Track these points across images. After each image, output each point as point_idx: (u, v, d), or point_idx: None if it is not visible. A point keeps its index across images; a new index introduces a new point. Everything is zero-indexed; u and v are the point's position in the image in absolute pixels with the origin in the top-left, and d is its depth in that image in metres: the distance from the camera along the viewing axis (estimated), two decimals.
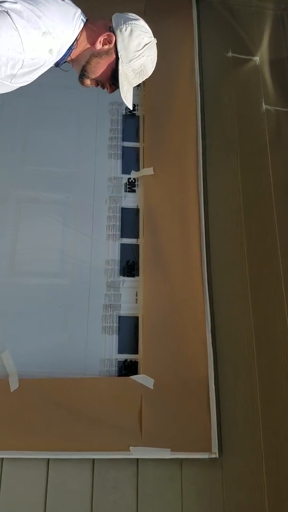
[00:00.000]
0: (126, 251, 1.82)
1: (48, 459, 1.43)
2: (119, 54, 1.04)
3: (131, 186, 1.91)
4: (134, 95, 1.86)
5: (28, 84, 1.01)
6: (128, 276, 1.79)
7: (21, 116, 1.97)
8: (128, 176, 1.92)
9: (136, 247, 1.82)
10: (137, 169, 1.93)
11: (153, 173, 1.85)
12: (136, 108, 2.02)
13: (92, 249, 1.80)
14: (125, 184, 1.91)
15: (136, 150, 1.97)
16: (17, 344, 1.65)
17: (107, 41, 1.04)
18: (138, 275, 1.78)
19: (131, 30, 1.04)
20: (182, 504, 1.37)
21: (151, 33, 1.07)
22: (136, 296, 1.77)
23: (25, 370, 1.59)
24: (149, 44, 1.06)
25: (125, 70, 1.06)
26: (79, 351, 1.68)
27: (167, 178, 1.83)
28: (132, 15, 1.08)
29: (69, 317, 1.72)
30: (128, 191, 1.90)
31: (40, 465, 1.42)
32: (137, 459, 1.42)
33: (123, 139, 1.98)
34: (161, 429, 1.45)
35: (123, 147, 1.97)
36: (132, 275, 1.79)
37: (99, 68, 1.07)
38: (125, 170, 1.93)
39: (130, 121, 2.01)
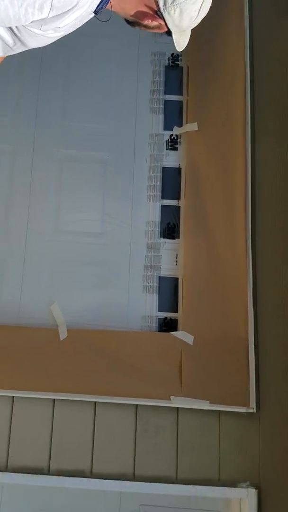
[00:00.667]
0: (166, 212, 1.86)
1: (95, 402, 1.61)
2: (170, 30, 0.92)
3: (173, 143, 1.89)
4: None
5: (67, 35, 0.90)
6: (168, 238, 1.84)
7: (60, 69, 1.96)
8: (170, 132, 1.90)
9: (177, 209, 1.85)
10: (180, 125, 1.89)
11: (197, 129, 1.82)
12: (179, 58, 1.93)
13: (132, 210, 1.86)
14: (167, 141, 1.90)
15: (179, 104, 1.94)
16: (64, 298, 1.78)
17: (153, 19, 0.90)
18: (178, 237, 1.83)
19: (180, 11, 0.87)
20: (219, 452, 1.53)
21: None
22: (176, 258, 1.83)
23: (72, 321, 1.74)
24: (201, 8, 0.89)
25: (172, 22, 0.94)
26: (121, 307, 1.80)
27: (212, 135, 1.80)
28: None
29: (111, 275, 1.83)
30: (170, 149, 1.90)
31: (88, 408, 1.61)
32: (177, 408, 1.57)
33: (165, 92, 1.93)
34: (201, 382, 1.58)
35: (165, 100, 1.93)
36: (173, 237, 1.84)
37: (147, 18, 0.90)
38: (167, 126, 1.91)
39: (173, 72, 1.96)
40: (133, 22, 0.95)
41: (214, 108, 1.83)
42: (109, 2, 0.87)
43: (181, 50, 1.02)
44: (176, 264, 1.83)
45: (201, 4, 0.87)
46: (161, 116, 1.91)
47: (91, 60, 1.96)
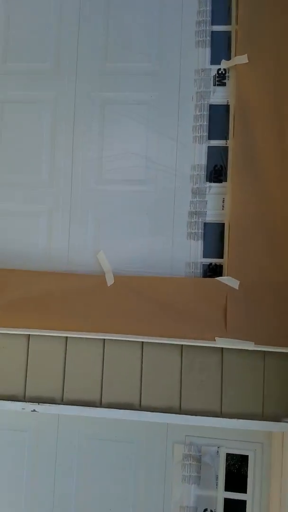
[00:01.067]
0: (213, 154, 1.82)
1: (142, 342, 1.71)
2: None
3: (220, 78, 1.81)
4: None
5: None
6: (215, 181, 1.81)
7: (100, 5, 1.87)
8: (217, 66, 1.81)
9: (225, 150, 1.80)
10: (228, 58, 1.79)
11: (247, 61, 1.70)
12: None
13: (177, 154, 1.83)
14: (214, 76, 1.82)
15: (227, 34, 1.82)
16: (110, 246, 1.85)
17: None
18: (226, 180, 1.79)
19: None
20: (263, 389, 1.59)
21: None
22: (223, 202, 1.80)
23: (118, 268, 1.82)
24: None
25: None
26: (165, 254, 1.84)
27: (264, 68, 1.69)
28: None
29: (155, 222, 1.87)
30: (218, 85, 1.81)
31: (136, 347, 1.72)
32: (222, 348, 1.62)
33: (212, 22, 1.81)
34: (246, 324, 1.62)
35: (212, 32, 1.82)
36: (219, 181, 1.81)
37: None
38: (215, 60, 1.81)
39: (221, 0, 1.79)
40: None
41: (267, 37, 1.70)
42: None
43: None
44: (223, 209, 1.81)
45: None
46: (207, 50, 1.81)
47: None
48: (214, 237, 1.82)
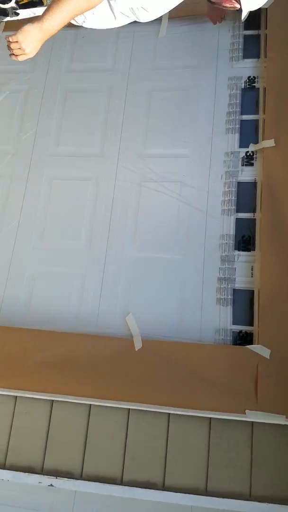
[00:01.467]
0: (241, 225, 1.91)
1: (169, 414, 1.64)
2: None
3: (248, 159, 1.97)
4: (254, 67, 1.92)
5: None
6: (243, 250, 1.87)
7: (143, 99, 2.16)
8: (246, 149, 1.98)
9: (252, 222, 1.89)
10: (256, 142, 1.97)
11: (274, 145, 1.87)
12: (255, 80, 2.05)
13: (206, 225, 1.94)
14: (243, 158, 1.98)
15: (255, 123, 2.03)
16: (139, 309, 1.89)
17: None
18: (254, 249, 1.85)
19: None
20: None
21: None
22: (252, 270, 1.84)
23: (146, 332, 1.83)
24: None
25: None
26: (194, 320, 1.85)
27: None
28: None
29: (185, 288, 1.91)
30: (246, 165, 1.96)
31: (162, 418, 1.65)
32: (252, 422, 1.53)
33: (242, 113, 2.03)
34: (277, 397, 1.54)
35: (241, 120, 2.03)
36: (248, 250, 1.87)
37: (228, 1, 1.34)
38: (243, 143, 2.00)
39: (249, 93, 2.07)
40: (214, 2, 1.39)
41: None
42: None
43: (243, 20, 1.41)
44: (252, 277, 1.84)
45: None
46: (237, 135, 2.01)
47: (170, 90, 2.16)
48: (244, 303, 1.83)
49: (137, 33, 2.25)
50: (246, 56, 2.09)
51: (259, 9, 1.99)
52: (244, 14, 1.37)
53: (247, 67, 2.08)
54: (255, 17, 2.11)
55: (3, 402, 1.77)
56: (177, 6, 2.18)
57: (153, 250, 1.98)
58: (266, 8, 2.03)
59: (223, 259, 1.89)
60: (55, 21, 1.17)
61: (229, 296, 1.84)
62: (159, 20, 2.20)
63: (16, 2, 1.33)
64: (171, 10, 2.07)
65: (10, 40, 1.21)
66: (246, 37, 2.12)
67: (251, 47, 2.10)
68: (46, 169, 2.19)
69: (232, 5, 1.36)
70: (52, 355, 1.83)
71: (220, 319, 1.83)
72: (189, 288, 1.90)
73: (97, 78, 2.28)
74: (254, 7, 1.36)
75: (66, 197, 2.14)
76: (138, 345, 1.80)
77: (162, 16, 2.20)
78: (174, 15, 2.18)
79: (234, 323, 1.81)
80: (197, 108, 2.10)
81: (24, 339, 1.90)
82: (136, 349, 1.78)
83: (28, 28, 1.16)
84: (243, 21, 1.49)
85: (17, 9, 1.36)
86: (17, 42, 1.19)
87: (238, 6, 1.34)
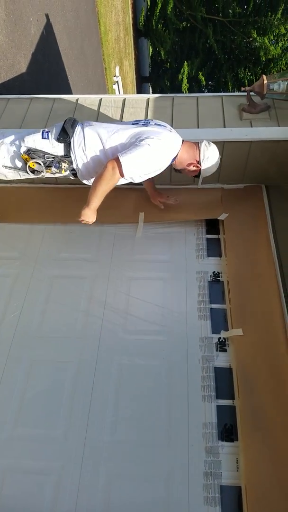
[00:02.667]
0: (223, 413, 1.96)
1: None
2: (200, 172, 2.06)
3: (221, 345, 2.15)
4: (217, 264, 2.29)
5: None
6: (227, 441, 1.89)
7: (123, 288, 2.43)
8: (218, 335, 2.18)
9: (232, 409, 1.96)
10: (226, 329, 2.19)
11: (242, 334, 2.09)
12: (220, 274, 2.41)
13: (189, 413, 1.96)
14: (216, 343, 2.16)
15: (224, 311, 2.27)
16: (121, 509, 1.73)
17: (195, 167, 2.04)
18: (237, 439, 1.87)
19: (211, 170, 2.06)
20: None
21: (219, 157, 2.07)
22: (237, 463, 1.82)
23: None
24: (218, 160, 2.06)
25: (201, 177, 2.09)
26: None
27: (256, 338, 2.05)
28: (213, 152, 2.04)
29: (170, 485, 1.83)
30: (220, 351, 2.13)
31: None
32: None
33: (211, 302, 2.31)
34: None
35: (211, 309, 2.28)
36: (231, 440, 1.89)
37: (188, 173, 2.10)
38: (215, 330, 2.20)
39: (216, 286, 2.38)
40: (180, 170, 2.08)
41: (255, 314, 2.15)
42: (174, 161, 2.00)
43: (199, 186, 2.20)
44: (237, 471, 1.81)
45: (217, 165, 2.07)
46: (208, 322, 2.24)
47: (148, 280, 2.45)
48: (233, 503, 1.75)
49: (117, 233, 2.66)
50: (210, 254, 2.51)
51: (217, 219, 2.52)
52: (200, 180, 2.10)
53: (211, 264, 2.47)
54: (215, 224, 2.61)
55: None
56: (150, 213, 2.69)
57: (135, 435, 1.95)
58: (223, 220, 2.54)
59: (207, 451, 1.87)
60: (96, 202, 1.98)
61: (217, 495, 1.77)
62: (136, 223, 2.67)
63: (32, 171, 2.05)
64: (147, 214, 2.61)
65: (80, 220, 2.05)
66: (208, 240, 2.57)
67: (213, 248, 2.54)
68: (25, 350, 2.24)
69: (195, 168, 2.04)
70: None
71: None
72: (175, 484, 1.81)
73: (82, 267, 2.56)
74: (210, 172, 2.07)
75: (45, 378, 2.15)
76: None
77: (138, 219, 2.69)
78: (148, 219, 2.66)
79: None
80: (172, 295, 2.37)
81: None
82: None
83: (84, 212, 2.01)
84: (199, 186, 2.12)
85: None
86: (83, 220, 2.03)
87: (197, 169, 2.04)
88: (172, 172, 2.63)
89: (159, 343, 2.20)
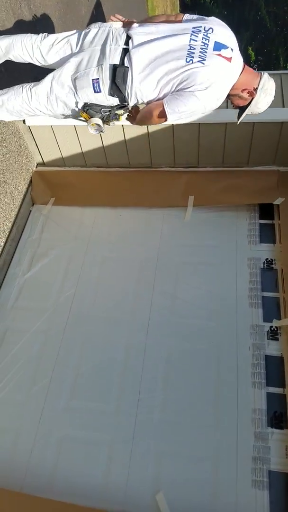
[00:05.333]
0: (273, 400, 1.93)
1: None
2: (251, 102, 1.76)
3: (273, 334, 2.11)
4: (270, 251, 2.22)
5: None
6: (276, 427, 1.87)
7: (172, 273, 2.43)
8: (270, 324, 2.14)
9: (283, 397, 1.93)
10: (279, 318, 2.14)
11: None
12: (273, 262, 2.34)
13: (238, 397, 1.96)
14: (267, 332, 2.12)
15: (276, 300, 2.22)
16: (171, 488, 1.82)
17: (250, 93, 1.75)
18: (287, 427, 1.85)
19: (261, 106, 1.79)
20: None
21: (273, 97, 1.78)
22: (286, 450, 1.81)
23: None
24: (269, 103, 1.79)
25: (247, 111, 1.79)
26: (229, 505, 1.74)
27: None
28: (272, 87, 1.77)
29: (218, 466, 1.86)
30: (271, 339, 2.09)
31: None
32: None
33: (263, 290, 2.26)
34: None
35: (263, 297, 2.23)
36: (281, 427, 1.88)
37: (236, 101, 1.80)
38: (267, 318, 2.16)
39: (268, 273, 2.32)
40: (230, 94, 1.76)
41: None
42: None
43: (238, 123, 1.87)
44: (287, 458, 1.80)
45: (268, 104, 1.79)
46: (260, 310, 2.20)
47: (197, 264, 2.44)
48: (281, 489, 1.75)
49: (165, 217, 2.65)
50: (262, 241, 2.44)
51: (271, 204, 2.41)
52: (243, 116, 1.82)
53: (264, 250, 2.40)
54: (269, 208, 2.52)
55: None
56: (200, 196, 2.64)
57: (184, 416, 1.98)
58: (278, 204, 2.45)
59: (256, 436, 1.87)
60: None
61: (265, 479, 1.78)
62: (184, 206, 2.64)
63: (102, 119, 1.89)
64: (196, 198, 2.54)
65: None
66: (261, 225, 2.50)
67: (267, 234, 2.46)
68: (79, 329, 2.33)
69: (246, 97, 1.76)
70: None
71: (256, 506, 1.73)
72: (223, 466, 1.85)
73: (131, 250, 2.59)
74: (259, 109, 1.80)
75: (98, 355, 2.23)
76: None
77: (187, 203, 2.66)
78: (198, 203, 2.62)
79: (271, 511, 1.71)
80: (221, 281, 2.35)
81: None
82: None
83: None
84: (238, 123, 1.86)
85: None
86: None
87: (249, 99, 1.76)
88: (225, 153, 2.56)
89: (207, 327, 2.21)
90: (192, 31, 1.71)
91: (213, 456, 1.88)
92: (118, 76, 1.72)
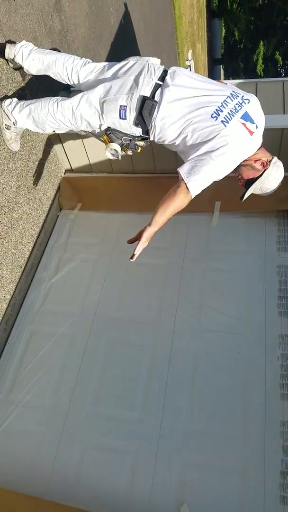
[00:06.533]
0: None
1: None
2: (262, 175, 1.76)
3: None
4: None
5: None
6: None
7: (198, 279, 2.39)
8: None
9: None
10: None
11: None
12: None
13: (266, 410, 1.90)
14: None
15: None
16: (196, 498, 1.77)
17: (264, 164, 1.76)
18: None
19: (278, 175, 1.78)
20: None
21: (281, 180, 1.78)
22: None
23: None
24: (281, 181, 1.78)
25: (256, 185, 1.78)
26: None
27: None
28: (282, 166, 1.78)
29: (245, 480, 1.80)
30: None
31: None
32: None
33: None
34: None
35: None
36: None
37: (246, 172, 1.80)
38: None
39: None
40: (239, 165, 1.78)
41: None
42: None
43: (243, 200, 1.87)
44: None
45: (276, 184, 1.80)
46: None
47: (223, 272, 2.39)
48: None
49: (192, 222, 2.62)
50: None
51: None
52: (248, 193, 1.83)
53: None
54: None
55: None
56: (227, 201, 2.60)
57: (210, 426, 1.94)
58: None
59: (285, 450, 1.80)
60: (159, 225, 1.73)
61: None
62: (211, 212, 2.60)
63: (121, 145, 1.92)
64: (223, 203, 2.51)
65: (140, 249, 1.77)
66: None
67: None
68: (104, 334, 2.32)
69: (260, 168, 1.78)
70: None
71: None
72: (250, 480, 1.78)
73: (157, 255, 2.57)
74: (268, 187, 1.80)
75: (123, 361, 2.21)
76: None
77: (214, 208, 2.62)
78: (225, 209, 2.58)
79: None
80: (249, 289, 2.29)
81: None
82: None
83: (148, 236, 1.74)
84: (242, 201, 1.86)
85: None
86: (140, 244, 1.75)
87: (265, 168, 1.77)
88: None
89: (235, 336, 2.15)
90: (231, 94, 1.76)
91: (240, 469, 1.82)
92: (146, 108, 1.75)
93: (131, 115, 1.79)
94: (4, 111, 2.08)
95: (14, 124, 2.11)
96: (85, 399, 2.13)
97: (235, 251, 2.45)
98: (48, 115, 1.99)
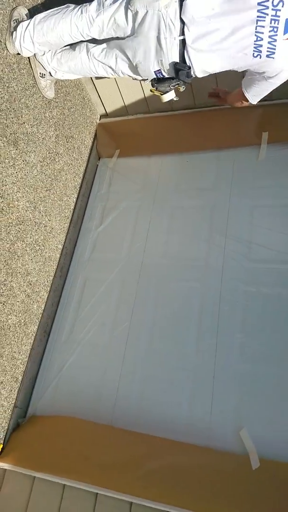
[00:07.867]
0: None
1: None
2: None
3: None
4: None
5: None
6: None
7: (247, 215, 2.31)
8: None
9: None
10: None
11: None
12: None
13: None
14: None
15: None
16: (253, 423, 1.85)
17: None
18: None
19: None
20: None
21: None
22: None
23: (261, 451, 1.75)
24: None
25: None
26: None
27: None
28: None
29: None
30: None
31: None
32: None
33: None
34: None
35: None
36: None
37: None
38: None
39: None
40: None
41: None
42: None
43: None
44: None
45: None
46: None
47: (271, 207, 2.28)
48: None
49: (236, 158, 2.49)
50: None
51: None
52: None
53: None
54: None
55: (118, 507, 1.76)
56: (276, 132, 2.41)
57: (263, 361, 1.97)
58: None
59: None
60: None
61: None
62: (258, 144, 2.45)
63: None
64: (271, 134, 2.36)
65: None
66: None
67: None
68: (153, 277, 2.36)
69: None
70: (164, 465, 1.82)
71: None
72: None
73: (201, 196, 2.50)
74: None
75: (174, 301, 2.26)
76: (255, 463, 1.72)
77: (261, 140, 2.46)
78: (274, 139, 2.40)
79: None
80: None
81: (137, 444, 1.92)
82: (253, 468, 1.71)
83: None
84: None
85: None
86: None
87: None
88: None
89: (287, 271, 2.10)
90: (258, 10, 1.41)
91: None
92: (181, 76, 1.69)
93: (169, 73, 1.74)
94: (39, 60, 2.02)
95: (50, 75, 2.07)
96: (140, 337, 2.22)
97: (286, 184, 2.32)
98: (90, 71, 1.96)
